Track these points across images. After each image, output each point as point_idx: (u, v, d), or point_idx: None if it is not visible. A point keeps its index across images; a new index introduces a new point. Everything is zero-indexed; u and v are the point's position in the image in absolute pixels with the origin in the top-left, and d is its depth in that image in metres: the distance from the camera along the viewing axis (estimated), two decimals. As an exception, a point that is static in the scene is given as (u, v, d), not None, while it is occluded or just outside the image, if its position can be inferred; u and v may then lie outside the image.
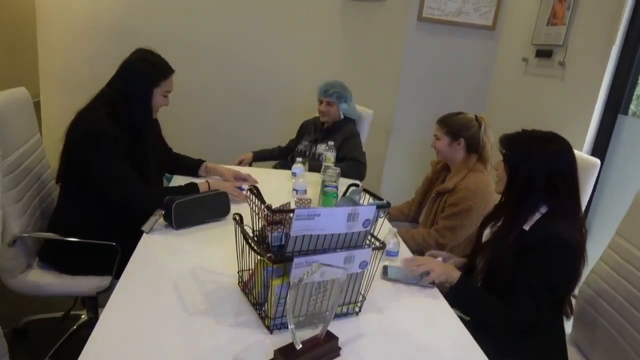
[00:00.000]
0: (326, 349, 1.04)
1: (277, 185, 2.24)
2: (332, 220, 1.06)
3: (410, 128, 3.25)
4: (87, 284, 1.72)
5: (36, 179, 1.87)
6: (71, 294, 1.86)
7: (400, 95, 3.16)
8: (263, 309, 1.13)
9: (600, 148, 2.33)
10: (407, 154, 3.31)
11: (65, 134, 1.74)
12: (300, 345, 0.98)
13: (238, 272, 1.28)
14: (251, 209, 1.14)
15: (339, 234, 1.10)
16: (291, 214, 1.02)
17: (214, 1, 3.34)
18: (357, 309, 1.23)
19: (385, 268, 1.45)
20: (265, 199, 1.91)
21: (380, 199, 1.17)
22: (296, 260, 1.02)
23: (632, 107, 2.29)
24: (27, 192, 1.76)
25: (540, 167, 1.38)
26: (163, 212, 1.56)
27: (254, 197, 1.10)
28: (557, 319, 1.48)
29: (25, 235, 1.68)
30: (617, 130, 2.32)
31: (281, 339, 1.09)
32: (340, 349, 1.07)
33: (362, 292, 1.21)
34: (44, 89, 3.38)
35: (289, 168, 2.67)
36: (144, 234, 1.53)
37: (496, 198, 1.72)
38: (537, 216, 1.40)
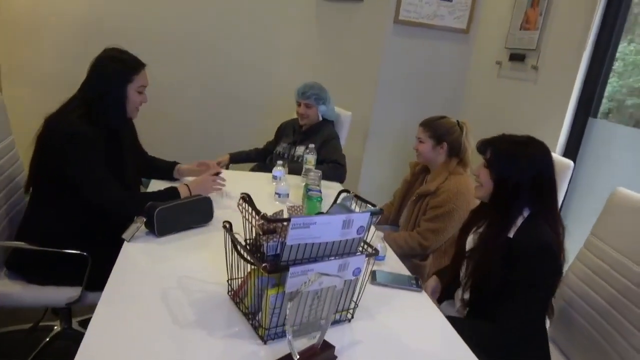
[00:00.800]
0: (323, 358, 1.03)
1: (258, 189, 2.21)
2: (328, 228, 1.05)
3: (387, 130, 3.28)
4: (57, 294, 1.65)
5: (6, 183, 1.78)
6: (40, 304, 1.79)
7: (378, 97, 3.18)
8: (257, 318, 1.11)
9: (572, 150, 2.41)
10: (385, 155, 3.33)
11: (36, 138, 1.67)
12: (298, 357, 0.97)
13: (228, 281, 1.25)
14: (244, 217, 1.11)
15: (333, 242, 1.09)
16: (286, 223, 1.00)
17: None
18: (349, 316, 1.22)
19: (373, 273, 1.45)
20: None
21: (372, 205, 1.16)
22: (292, 269, 1.01)
23: (602, 109, 2.36)
24: (-5, 197, 1.68)
25: (526, 172, 1.40)
26: (145, 219, 1.51)
27: (247, 206, 1.07)
28: (539, 319, 1.51)
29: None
30: (588, 133, 2.40)
31: (276, 350, 1.07)
32: (336, 357, 1.06)
33: (355, 299, 1.21)
34: (5, 86, 3.23)
35: (268, 170, 2.65)
36: (125, 243, 1.47)
37: (476, 201, 1.76)
38: (520, 220, 1.42)
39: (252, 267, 1.16)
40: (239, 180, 2.21)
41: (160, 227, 1.52)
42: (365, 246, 1.20)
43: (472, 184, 2.03)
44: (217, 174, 1.99)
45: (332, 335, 1.11)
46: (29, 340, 2.00)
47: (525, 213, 1.43)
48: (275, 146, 2.80)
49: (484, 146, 1.51)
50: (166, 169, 2.10)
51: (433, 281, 1.71)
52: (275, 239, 1.01)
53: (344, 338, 1.15)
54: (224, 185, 1.98)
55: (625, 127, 2.24)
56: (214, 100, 3.50)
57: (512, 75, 2.84)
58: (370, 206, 1.20)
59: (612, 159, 2.28)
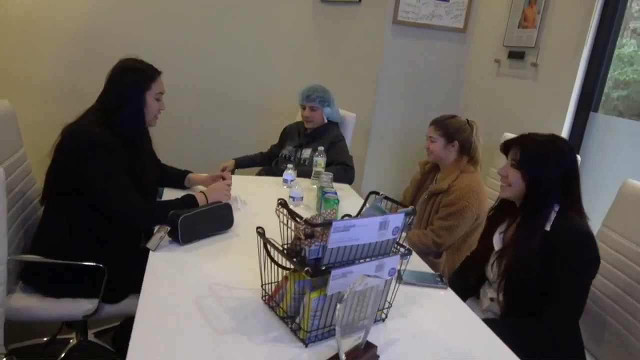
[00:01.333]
0: (367, 358, 1.05)
1: (269, 193, 2.22)
2: (366, 230, 1.07)
3: (389, 130, 3.31)
4: (73, 307, 1.64)
5: (20, 196, 1.77)
6: (57, 318, 1.78)
7: (378, 98, 3.21)
8: (296, 321, 1.12)
9: (575, 144, 2.46)
10: (387, 155, 3.37)
11: (54, 149, 1.66)
12: (345, 358, 0.99)
13: (262, 286, 1.26)
14: (282, 222, 1.12)
15: (370, 243, 1.11)
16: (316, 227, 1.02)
17: (183, 3, 3.26)
18: (383, 316, 1.24)
19: (398, 272, 1.47)
20: (261, 207, 1.91)
21: (404, 206, 1.18)
22: (333, 272, 1.03)
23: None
24: (10, 209, 1.66)
25: (557, 170, 1.44)
26: (169, 228, 1.51)
27: (286, 211, 1.08)
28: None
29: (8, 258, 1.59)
30: (589, 127, 2.46)
31: (318, 352, 1.08)
32: (379, 356, 1.08)
33: (388, 299, 1.23)
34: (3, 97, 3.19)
35: (275, 174, 2.66)
36: (150, 252, 1.47)
37: (487, 198, 1.79)
38: (552, 215, 1.45)
39: (289, 271, 1.18)
40: (249, 185, 2.22)
41: (184, 235, 1.53)
42: (397, 246, 1.22)
43: (482, 181, 2.08)
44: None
45: (369, 336, 1.13)
46: (46, 354, 1.98)
47: (556, 208, 1.46)
48: (280, 149, 2.81)
49: (509, 147, 1.54)
50: (178, 177, 2.10)
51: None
52: (317, 243, 1.03)
53: (381, 337, 1.17)
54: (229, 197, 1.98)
55: (627, 119, 2.30)
56: (213, 106, 3.49)
57: (512, 73, 2.89)
58: (397, 206, 1.22)
59: (615, 152, 2.33)
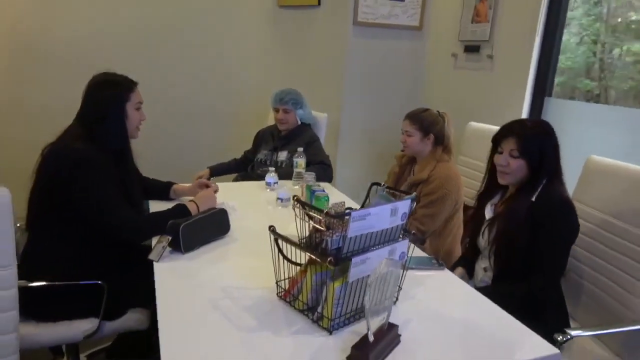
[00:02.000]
0: (391, 337, 1.11)
1: (255, 197, 2.25)
2: (379, 218, 1.13)
3: (357, 128, 3.41)
4: (72, 329, 1.59)
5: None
6: (56, 343, 1.73)
7: (345, 97, 3.30)
8: (318, 311, 1.17)
9: (534, 128, 2.64)
10: (357, 152, 3.46)
11: (36, 170, 1.63)
12: (373, 338, 1.04)
13: (276, 283, 1.30)
14: (298, 217, 1.17)
15: (382, 230, 1.17)
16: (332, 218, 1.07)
17: (135, 10, 3.21)
18: (394, 299, 1.31)
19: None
20: (250, 210, 1.94)
21: (407, 193, 1.26)
22: (354, 259, 1.08)
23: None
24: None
25: (552, 150, 1.59)
26: (170, 238, 1.52)
27: (302, 205, 1.13)
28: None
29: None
30: (545, 111, 2.65)
31: (342, 338, 1.14)
32: (400, 335, 1.14)
33: (399, 283, 1.30)
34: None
35: (252, 179, 2.69)
36: (155, 264, 1.47)
37: (462, 184, 1.94)
38: (539, 187, 1.60)
39: (299, 266, 1.22)
40: (233, 191, 2.23)
41: (186, 244, 1.54)
42: (403, 232, 1.29)
43: (457, 169, 2.20)
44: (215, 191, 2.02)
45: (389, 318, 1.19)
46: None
47: (544, 180, 1.61)
48: (255, 154, 2.84)
49: (502, 138, 1.66)
50: (162, 189, 2.09)
51: (459, 272, 1.84)
52: (338, 233, 1.08)
53: (396, 319, 1.23)
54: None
55: (577, 102, 2.50)
56: (179, 117, 3.45)
57: (469, 66, 3.06)
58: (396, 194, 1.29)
59: (570, 131, 2.53)
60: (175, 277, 1.42)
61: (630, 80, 2.39)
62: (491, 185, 1.75)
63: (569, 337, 1.48)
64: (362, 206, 1.42)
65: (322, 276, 1.17)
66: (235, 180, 2.83)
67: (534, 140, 1.59)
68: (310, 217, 1.17)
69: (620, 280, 1.61)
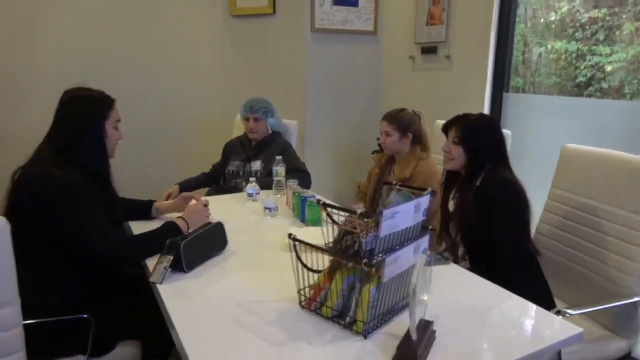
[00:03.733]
0: (428, 333, 1.11)
1: (238, 209, 2.18)
2: (405, 216, 1.13)
3: (321, 132, 3.42)
4: None
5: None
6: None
7: (307, 103, 3.30)
8: (349, 316, 1.15)
9: (496, 122, 2.77)
10: (324, 157, 3.47)
11: (6, 198, 1.49)
12: (416, 336, 1.04)
13: (298, 292, 1.26)
14: (327, 222, 1.14)
15: (406, 228, 1.17)
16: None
17: (83, 27, 3.05)
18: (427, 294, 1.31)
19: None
20: (238, 223, 1.88)
21: (420, 189, 1.27)
22: (387, 259, 1.08)
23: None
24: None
25: (489, 138, 1.75)
26: (171, 258, 1.43)
27: (332, 209, 1.11)
28: (526, 250, 1.76)
29: None
30: (505, 106, 2.79)
31: (378, 341, 1.13)
32: (435, 331, 1.15)
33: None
34: None
35: (225, 191, 2.61)
36: (159, 287, 1.38)
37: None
38: (482, 173, 1.74)
39: (327, 269, 1.20)
40: (215, 204, 2.14)
41: (188, 262, 1.46)
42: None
43: (436, 164, 2.26)
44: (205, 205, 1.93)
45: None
46: None
47: (487, 168, 1.75)
48: (224, 166, 2.76)
49: (448, 127, 1.83)
50: (143, 209, 1.98)
51: None
52: (371, 234, 1.07)
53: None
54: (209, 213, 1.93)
55: (535, 95, 2.66)
56: (140, 136, 3.27)
57: (427, 67, 3.16)
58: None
59: (530, 124, 2.67)
60: (184, 297, 1.34)
61: (553, 75, 2.63)
62: (449, 176, 1.88)
63: (567, 314, 1.57)
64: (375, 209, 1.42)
65: (351, 280, 1.15)
66: (208, 194, 2.73)
67: (474, 130, 1.74)
68: (334, 221, 1.15)
69: (602, 256, 1.71)
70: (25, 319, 1.34)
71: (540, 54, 2.70)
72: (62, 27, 3.02)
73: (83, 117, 1.57)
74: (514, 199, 1.68)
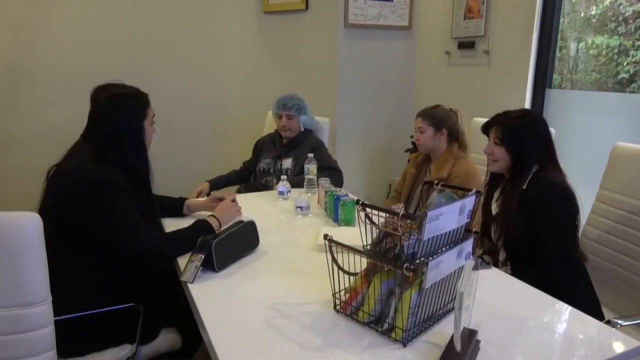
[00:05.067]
0: (473, 344, 1.04)
1: (268, 208, 2.14)
2: (449, 218, 1.07)
3: (353, 130, 3.36)
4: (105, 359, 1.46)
5: None
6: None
7: (339, 100, 3.24)
8: (387, 322, 1.09)
9: (537, 120, 2.64)
10: (355, 156, 3.41)
11: (42, 195, 1.49)
12: (460, 347, 0.97)
13: (333, 296, 1.21)
14: (365, 222, 1.08)
15: (451, 230, 1.10)
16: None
17: (118, 25, 3.06)
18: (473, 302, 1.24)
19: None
20: (269, 222, 1.84)
21: (464, 190, 1.20)
22: (430, 263, 1.01)
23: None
24: None
25: (535, 138, 1.63)
26: (203, 257, 1.40)
27: (371, 210, 1.05)
28: (575, 258, 1.65)
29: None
30: (547, 103, 2.66)
31: (418, 349, 1.06)
32: (480, 341, 1.07)
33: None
34: None
35: (256, 189, 2.58)
36: (190, 286, 1.36)
37: (481, 178, 1.94)
38: (529, 175, 1.63)
39: (363, 272, 1.14)
40: (244, 203, 2.11)
41: (220, 261, 1.43)
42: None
43: (475, 165, 2.17)
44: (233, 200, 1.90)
45: (451, 322, 1.12)
46: None
47: (534, 169, 1.64)
48: (255, 164, 2.73)
49: (489, 127, 1.72)
50: (175, 206, 1.97)
51: None
52: (413, 236, 1.00)
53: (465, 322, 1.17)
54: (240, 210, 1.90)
55: (580, 91, 2.52)
56: (172, 132, 3.29)
57: (464, 62, 3.05)
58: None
59: (574, 122, 2.54)
60: (215, 298, 1.30)
61: (593, 72, 2.49)
62: (494, 176, 1.77)
63: (618, 325, 1.47)
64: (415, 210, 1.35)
65: (390, 284, 1.09)
66: (239, 191, 2.71)
67: (516, 129, 1.63)
68: (373, 222, 1.09)
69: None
70: (73, 312, 1.37)
71: (578, 50, 2.57)
72: (88, 21, 3.04)
73: (124, 117, 1.54)
74: (564, 204, 1.56)
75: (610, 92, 2.43)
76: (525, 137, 1.62)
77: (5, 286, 0.97)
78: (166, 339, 1.55)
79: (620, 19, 2.35)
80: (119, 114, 1.54)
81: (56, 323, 1.28)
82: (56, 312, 1.34)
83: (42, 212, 1.46)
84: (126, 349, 1.47)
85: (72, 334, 1.41)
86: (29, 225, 0.99)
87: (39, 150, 2.90)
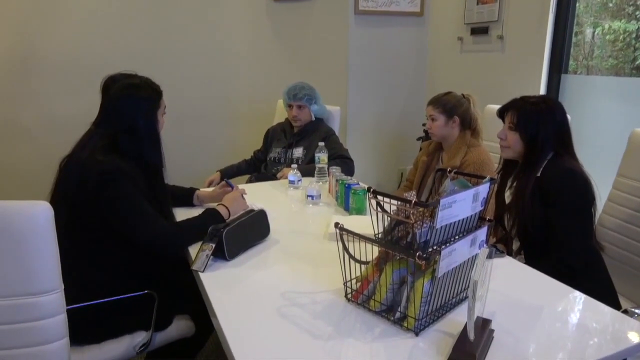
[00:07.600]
0: (487, 333, 1.02)
1: (279, 197, 2.14)
2: (463, 205, 1.04)
3: (363, 118, 3.33)
4: (121, 346, 1.46)
5: None
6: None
7: (350, 88, 3.21)
8: (399, 312, 1.08)
9: (552, 106, 2.59)
10: (367, 143, 3.38)
11: (54, 185, 1.50)
12: (474, 336, 0.96)
13: (344, 284, 1.20)
14: (377, 210, 1.07)
15: (464, 218, 1.08)
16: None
17: (129, 13, 3.05)
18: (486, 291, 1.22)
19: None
20: (279, 211, 1.84)
21: (481, 177, 1.17)
22: (443, 252, 0.99)
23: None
24: None
25: (550, 125, 1.58)
26: (214, 245, 1.40)
27: (382, 197, 1.03)
28: (590, 246, 1.61)
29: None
30: (562, 89, 2.60)
31: (430, 338, 1.05)
32: (494, 330, 1.06)
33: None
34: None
35: (267, 178, 2.58)
36: (200, 274, 1.36)
37: (495, 166, 1.89)
38: (544, 162, 1.59)
39: (375, 261, 1.13)
40: (255, 192, 2.11)
41: (230, 250, 1.43)
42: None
43: (489, 152, 2.13)
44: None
45: (464, 312, 1.11)
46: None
47: (549, 156, 1.60)
48: (266, 153, 2.72)
49: (505, 111, 1.67)
50: (185, 196, 1.97)
51: None
52: (426, 224, 0.99)
53: (478, 311, 1.15)
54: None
55: (597, 76, 2.46)
56: (182, 120, 3.30)
57: (477, 48, 3.00)
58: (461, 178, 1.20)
59: (591, 108, 2.48)
60: (225, 286, 1.30)
61: (609, 57, 2.42)
62: (507, 163, 1.74)
63: (636, 315, 1.44)
64: (428, 198, 1.33)
65: (402, 273, 1.07)
66: (250, 181, 2.71)
67: (532, 115, 1.59)
68: (384, 210, 1.08)
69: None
70: (88, 299, 1.39)
71: (594, 35, 2.50)
72: (98, 11, 3.04)
73: (138, 107, 1.53)
74: (580, 192, 1.53)
75: (628, 77, 2.37)
76: (541, 123, 1.58)
77: (17, 275, 0.97)
78: (180, 326, 1.56)
79: (638, 2, 2.27)
80: (133, 104, 1.53)
81: (71, 311, 1.30)
82: (71, 300, 1.36)
83: (54, 201, 1.49)
84: (141, 336, 1.48)
85: (87, 321, 1.43)
86: (40, 214, 0.99)
87: (50, 140, 2.92)
